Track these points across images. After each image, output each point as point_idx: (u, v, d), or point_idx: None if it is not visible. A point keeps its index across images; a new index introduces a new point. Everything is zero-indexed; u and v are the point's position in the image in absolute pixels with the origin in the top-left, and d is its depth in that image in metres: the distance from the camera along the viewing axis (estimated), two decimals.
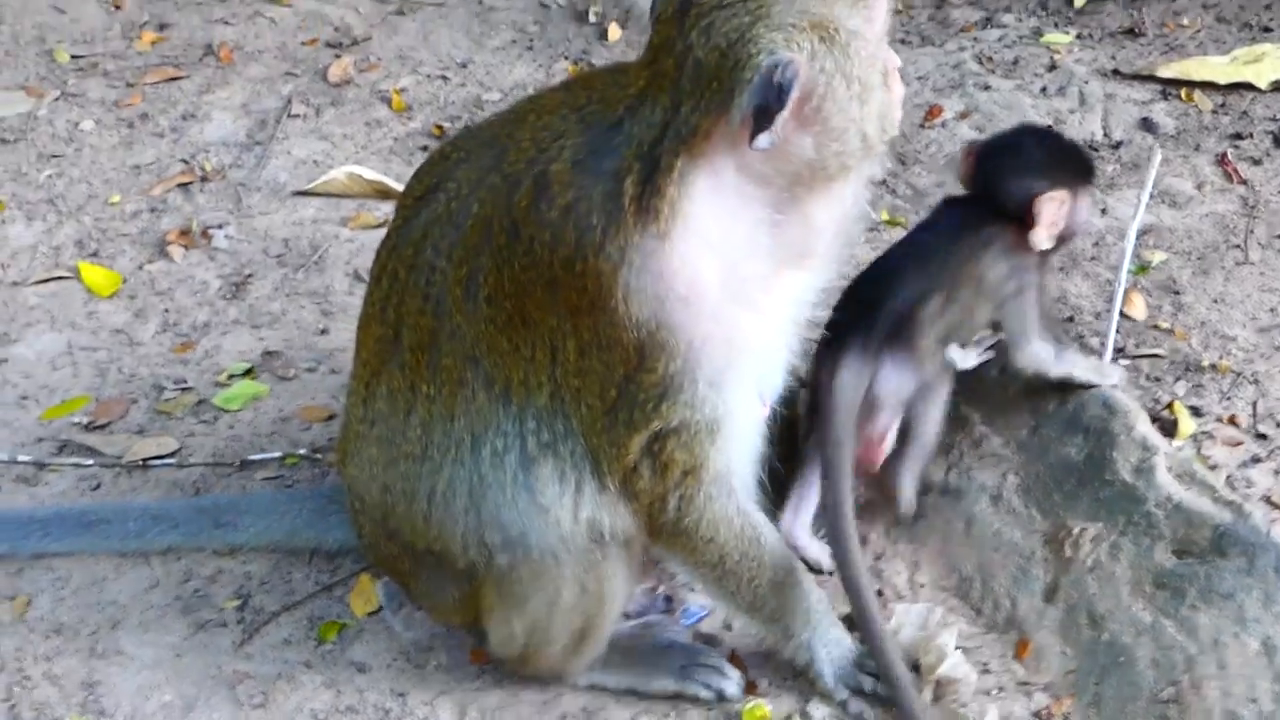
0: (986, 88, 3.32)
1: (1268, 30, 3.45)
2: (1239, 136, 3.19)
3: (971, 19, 3.54)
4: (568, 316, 1.91)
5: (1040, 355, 2.32)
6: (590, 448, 1.99)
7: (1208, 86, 3.32)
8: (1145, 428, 2.31)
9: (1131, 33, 3.47)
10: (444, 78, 3.55)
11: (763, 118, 1.77)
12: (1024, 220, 2.28)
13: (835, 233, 1.98)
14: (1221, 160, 3.13)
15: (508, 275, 1.93)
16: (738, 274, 1.90)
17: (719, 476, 1.99)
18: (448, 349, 1.99)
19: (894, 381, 2.23)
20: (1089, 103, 3.27)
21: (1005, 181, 2.30)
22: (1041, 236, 2.28)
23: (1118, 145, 3.18)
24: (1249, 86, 3.31)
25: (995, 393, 2.42)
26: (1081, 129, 3.22)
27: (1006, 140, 2.43)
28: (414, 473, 2.04)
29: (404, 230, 2.04)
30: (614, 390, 1.93)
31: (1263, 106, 3.25)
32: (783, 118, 1.77)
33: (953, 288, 2.28)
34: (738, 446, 2.01)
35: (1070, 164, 2.37)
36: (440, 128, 3.37)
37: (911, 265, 2.29)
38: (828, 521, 2.14)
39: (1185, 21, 3.49)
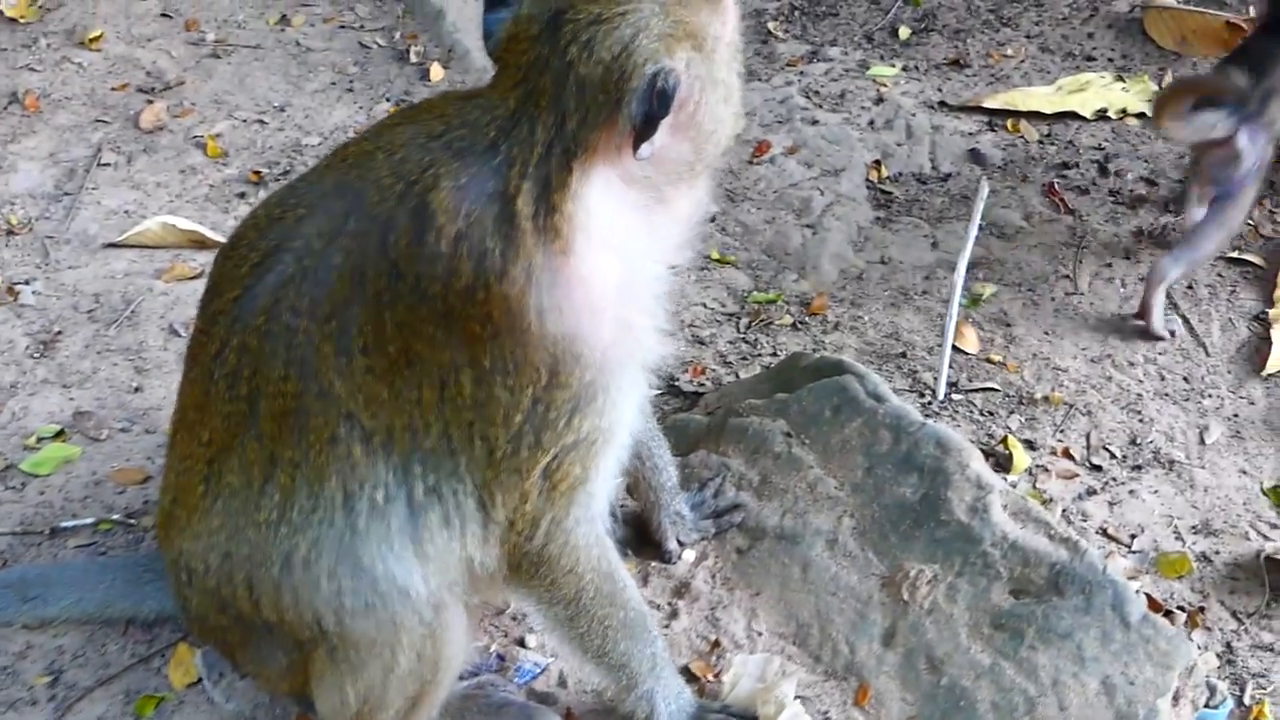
0: (814, 122, 3.32)
1: (1090, 59, 3.50)
2: (1066, 166, 3.22)
3: (798, 53, 3.54)
4: (464, 348, 1.89)
5: None
6: (481, 482, 1.96)
7: (1034, 116, 3.35)
8: (979, 466, 2.30)
9: (957, 64, 3.50)
10: (261, 122, 3.46)
11: (649, 125, 1.84)
12: None
13: (693, 226, 2.03)
14: (1049, 190, 3.16)
15: (390, 319, 1.90)
16: (634, 276, 1.94)
17: (592, 497, 2.00)
18: (317, 409, 1.95)
19: (1249, 145, 2.62)
20: (916, 135, 3.29)
21: None
22: None
23: (946, 178, 3.20)
24: (1074, 115, 3.35)
25: (830, 434, 2.40)
26: (909, 162, 3.23)
27: None
28: (265, 540, 1.98)
29: (246, 301, 1.98)
30: (520, 415, 1.92)
31: (1088, 135, 3.29)
32: (667, 123, 1.84)
33: None
34: (618, 459, 2.03)
35: None
36: (258, 174, 3.29)
37: None
38: None
39: (1010, 52, 3.52)
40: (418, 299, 1.89)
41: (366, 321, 1.92)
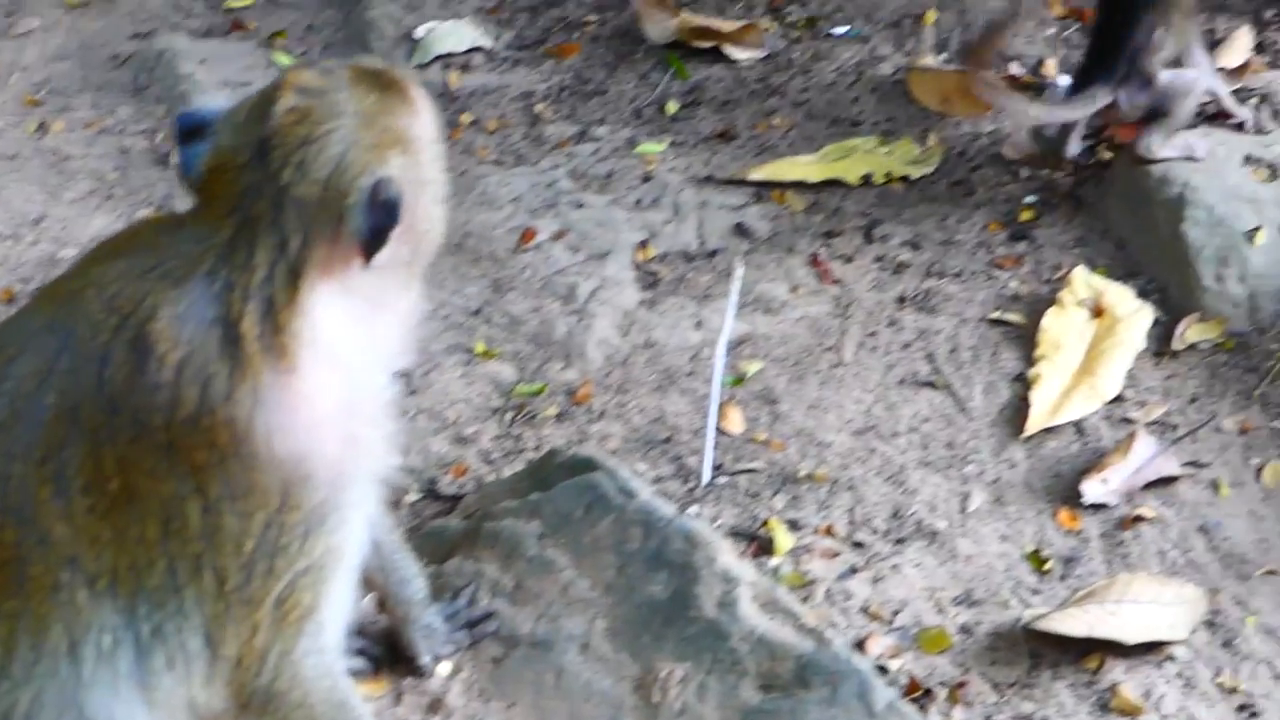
0: (580, 205, 3.31)
1: (856, 124, 3.53)
2: (831, 235, 3.24)
3: (566, 134, 3.53)
4: (189, 478, 1.86)
5: None
6: (210, 616, 1.91)
7: (800, 186, 3.37)
8: (728, 559, 2.29)
9: (725, 136, 3.51)
10: (15, 236, 3.38)
11: (379, 235, 1.85)
12: None
13: (413, 328, 2.03)
14: (814, 261, 3.17)
15: (109, 455, 1.86)
16: (361, 388, 1.93)
17: (322, 626, 1.96)
18: (37, 556, 1.90)
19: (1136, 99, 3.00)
20: (683, 212, 3.29)
21: None
22: None
23: (713, 254, 3.21)
24: (840, 183, 3.37)
25: (582, 533, 2.38)
26: (676, 240, 3.23)
27: None
28: None
29: None
30: (251, 541, 1.88)
31: (853, 202, 3.32)
32: (393, 232, 1.85)
33: None
34: (348, 582, 2.00)
35: None
36: (10, 291, 3.20)
37: None
38: None
39: (776, 121, 3.54)
40: (138, 432, 1.86)
41: (85, 460, 1.88)
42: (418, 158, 1.94)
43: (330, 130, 1.88)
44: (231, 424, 1.85)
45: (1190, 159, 3.13)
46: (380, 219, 1.86)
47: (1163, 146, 3.10)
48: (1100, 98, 3.04)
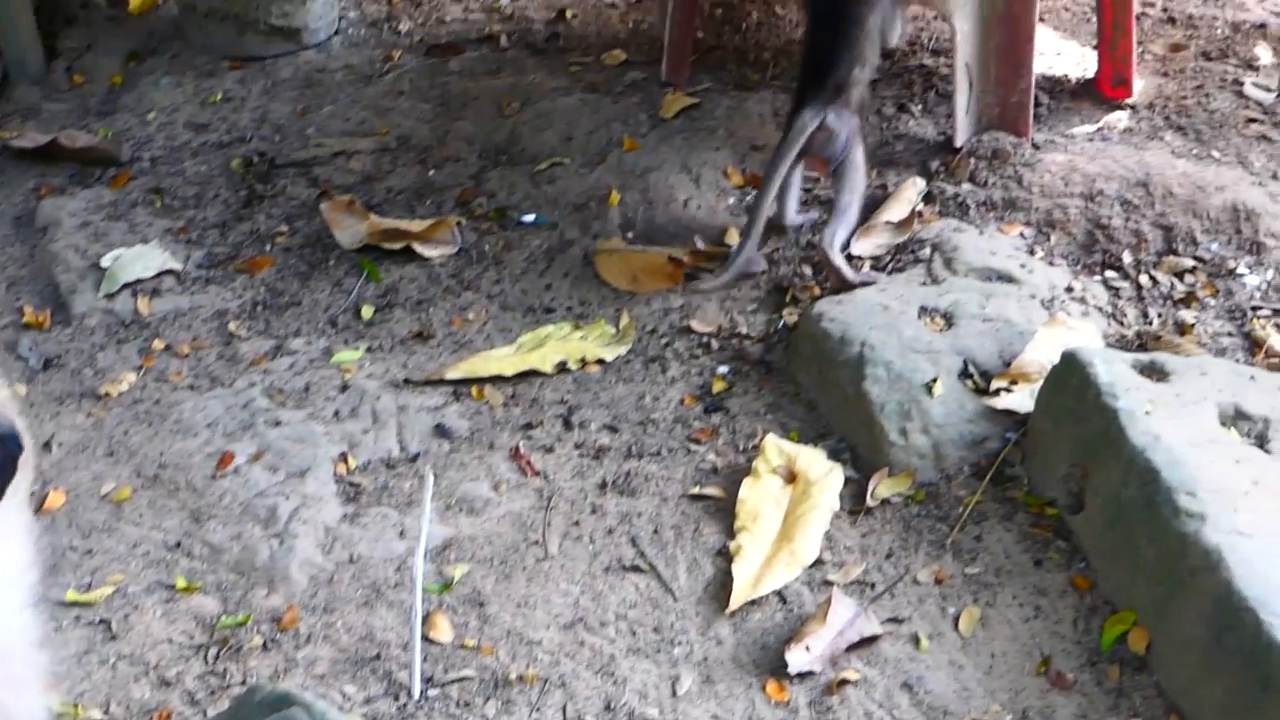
0: (278, 423, 3.31)
1: (550, 311, 3.61)
2: (530, 426, 3.29)
3: (261, 350, 3.54)
4: None
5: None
6: None
7: (497, 380, 3.42)
8: None
9: (421, 336, 3.56)
10: None
11: None
12: None
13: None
14: (515, 454, 3.21)
15: None
16: None
17: None
18: None
19: (838, 123, 3.34)
20: (382, 419, 3.31)
21: None
22: None
23: (415, 458, 3.23)
24: (537, 373, 3.42)
25: None
26: (377, 448, 3.25)
27: None
28: None
29: None
30: None
31: (551, 390, 3.38)
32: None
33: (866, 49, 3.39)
34: None
35: None
36: None
37: (841, 41, 3.36)
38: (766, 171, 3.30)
39: (471, 316, 3.60)
40: None
41: None
42: None
43: None
44: None
45: (866, 283, 3.37)
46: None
47: (838, 244, 3.43)
48: (809, 121, 3.37)
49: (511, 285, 3.71)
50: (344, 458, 3.21)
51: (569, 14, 4.70)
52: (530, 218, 3.88)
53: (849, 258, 3.54)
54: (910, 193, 3.76)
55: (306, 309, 3.69)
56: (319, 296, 3.73)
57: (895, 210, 3.70)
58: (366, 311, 3.66)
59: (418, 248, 3.80)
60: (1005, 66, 3.81)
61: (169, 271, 3.80)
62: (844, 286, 3.42)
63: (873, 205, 3.74)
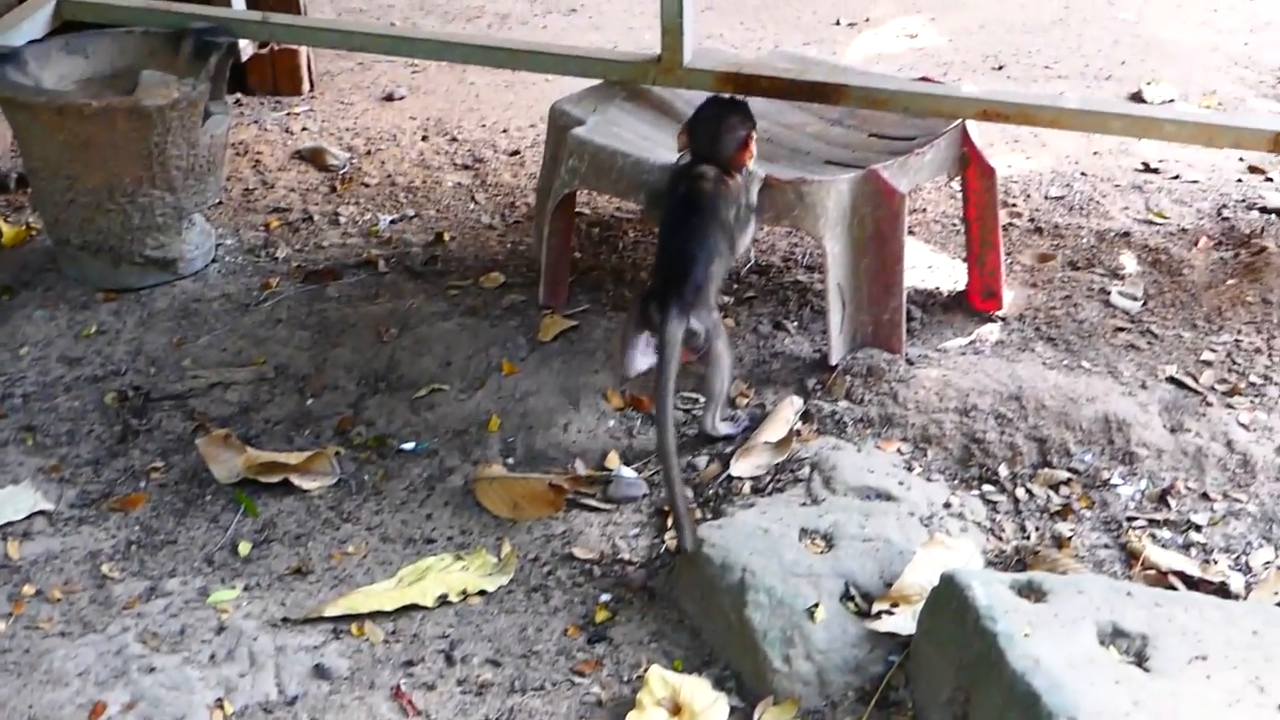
0: (152, 669, 3.27)
1: (431, 541, 3.61)
2: (411, 663, 3.28)
3: (136, 592, 3.50)
4: None
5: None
6: None
7: (378, 615, 3.40)
8: None
9: (300, 572, 3.54)
10: None
11: None
12: (736, 158, 3.60)
13: None
14: (396, 693, 3.19)
15: None
16: None
17: None
18: None
19: (701, 323, 3.51)
20: (260, 661, 3.28)
21: (721, 137, 3.62)
22: (749, 160, 3.61)
23: (293, 701, 3.19)
24: (418, 607, 3.41)
25: None
26: (254, 692, 3.21)
27: (709, 110, 3.71)
28: None
29: None
30: None
31: (432, 625, 3.37)
32: None
33: (721, 246, 3.54)
34: None
35: (747, 110, 3.67)
36: None
37: (696, 243, 3.53)
38: (656, 405, 3.41)
39: (351, 549, 3.60)
40: None
41: None
42: None
43: None
44: None
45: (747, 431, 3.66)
46: None
47: (718, 423, 3.72)
48: (676, 331, 3.49)
49: (392, 516, 3.71)
50: (220, 704, 3.18)
51: (447, 236, 4.79)
52: (410, 445, 3.90)
53: (728, 478, 3.59)
54: (788, 412, 3.84)
55: (182, 547, 3.67)
56: (195, 534, 3.71)
57: (773, 430, 3.76)
58: (244, 548, 3.64)
59: (296, 480, 3.81)
60: (876, 286, 3.92)
61: (41, 512, 3.76)
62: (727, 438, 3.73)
63: (752, 424, 3.80)
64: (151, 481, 3.91)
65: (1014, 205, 4.90)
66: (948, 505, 3.54)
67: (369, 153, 5.46)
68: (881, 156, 4.07)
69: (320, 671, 3.26)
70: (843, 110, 4.32)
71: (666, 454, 3.39)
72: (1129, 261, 4.50)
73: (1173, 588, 3.25)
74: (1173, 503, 3.59)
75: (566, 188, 4.13)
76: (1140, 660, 2.83)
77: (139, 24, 4.76)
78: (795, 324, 4.24)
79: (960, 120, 4.10)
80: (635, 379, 3.86)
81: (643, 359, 3.72)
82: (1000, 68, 6.12)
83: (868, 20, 6.70)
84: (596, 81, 4.44)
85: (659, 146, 4.11)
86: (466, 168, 5.34)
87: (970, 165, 4.15)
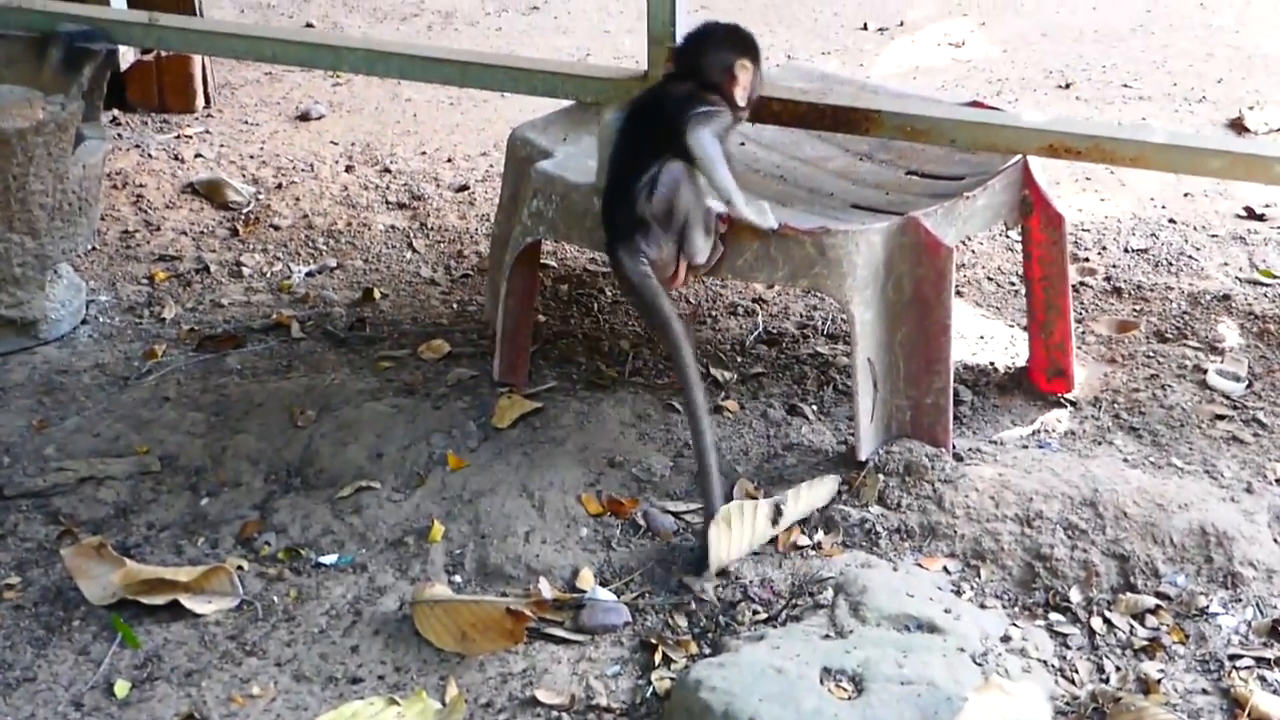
0: None
1: (357, 681, 3.62)
2: None
3: None
4: None
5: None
6: None
7: None
8: None
9: (192, 719, 3.54)
10: None
11: None
12: (723, 87, 3.80)
13: None
14: None
15: None
16: None
17: None
18: None
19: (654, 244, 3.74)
20: None
21: (707, 58, 3.80)
22: (740, 97, 3.80)
23: None
24: None
25: None
26: None
27: (700, 30, 3.86)
28: None
29: None
30: None
31: None
32: None
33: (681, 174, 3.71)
34: None
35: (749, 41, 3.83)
36: None
37: (643, 160, 3.74)
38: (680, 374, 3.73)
39: (256, 690, 3.61)
40: None
41: None
42: None
43: None
44: None
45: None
46: None
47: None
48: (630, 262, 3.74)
49: (308, 648, 3.72)
50: None
51: (377, 294, 4.81)
52: (331, 559, 3.91)
53: (732, 603, 3.60)
54: (818, 493, 3.86)
55: (43, 686, 3.67)
56: (59, 669, 3.70)
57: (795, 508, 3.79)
58: (121, 688, 3.64)
59: (187, 602, 3.81)
60: (916, 362, 3.95)
61: None
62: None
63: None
64: (5, 602, 3.91)
65: (1086, 260, 4.95)
66: (1006, 639, 3.56)
67: (279, 186, 5.50)
68: (922, 200, 4.11)
69: None
70: (874, 142, 4.36)
71: (690, 382, 3.73)
72: (1229, 332, 4.54)
73: None
74: None
75: (530, 235, 4.16)
76: None
77: None
78: (814, 408, 4.27)
79: (1020, 156, 4.14)
80: None
81: None
82: (1067, 85, 6.19)
83: (902, 24, 6.77)
84: (566, 102, 4.47)
85: None
86: (402, 206, 5.38)
87: (1033, 212, 4.19)
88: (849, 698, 3.34)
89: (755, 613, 3.68)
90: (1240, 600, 3.64)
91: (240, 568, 3.91)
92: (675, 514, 3.94)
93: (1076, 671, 3.51)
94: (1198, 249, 4.84)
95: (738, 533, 3.76)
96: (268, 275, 4.77)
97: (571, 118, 4.32)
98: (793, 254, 3.82)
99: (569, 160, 4.10)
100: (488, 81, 4.46)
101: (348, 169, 5.32)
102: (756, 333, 4.42)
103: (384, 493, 4.04)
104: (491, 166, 5.23)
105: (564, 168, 4.06)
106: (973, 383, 4.22)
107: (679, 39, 4.08)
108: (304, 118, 5.67)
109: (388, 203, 5.17)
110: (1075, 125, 4.28)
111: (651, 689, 3.54)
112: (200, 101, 5.70)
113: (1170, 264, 4.79)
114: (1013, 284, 4.59)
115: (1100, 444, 4.01)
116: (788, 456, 4.07)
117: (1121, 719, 3.31)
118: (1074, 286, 4.36)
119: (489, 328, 4.35)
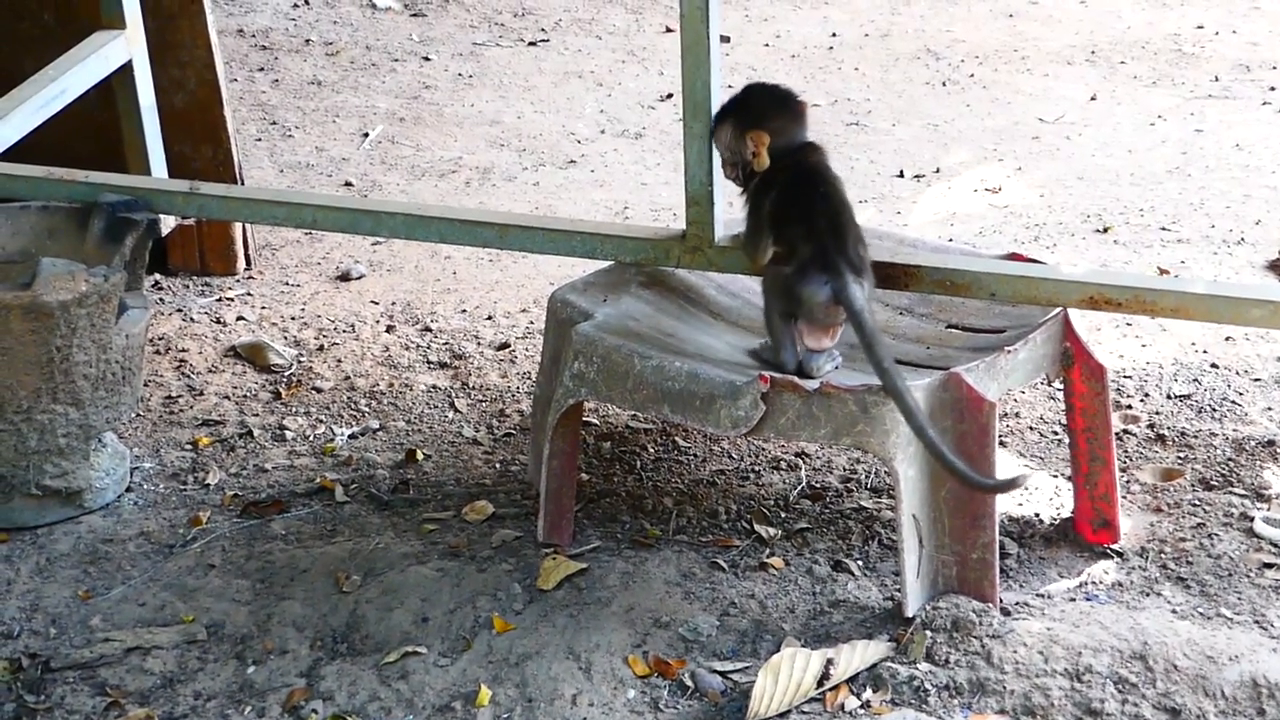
0: None
1: None
2: None
3: None
4: None
5: None
6: None
7: None
8: None
9: None
10: None
11: None
12: None
13: None
14: None
15: None
16: None
17: None
18: None
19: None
20: None
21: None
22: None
23: None
24: None
25: None
26: None
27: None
28: None
29: None
30: None
31: None
32: None
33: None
34: None
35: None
36: None
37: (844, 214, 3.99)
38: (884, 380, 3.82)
39: None
40: None
41: None
42: None
43: None
44: None
45: None
46: None
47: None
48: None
49: None
50: None
51: (420, 455, 4.86)
52: None
53: None
54: (857, 657, 3.87)
55: None
56: None
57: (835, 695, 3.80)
58: None
59: None
60: (962, 517, 3.98)
61: None
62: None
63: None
64: None
65: (1129, 407, 4.98)
66: None
67: (321, 348, 5.56)
68: (964, 354, 4.16)
69: None
70: (914, 296, 4.41)
71: (904, 399, 3.81)
72: (1275, 479, 4.56)
73: None
74: None
75: (572, 397, 4.21)
76: None
77: (36, 197, 4.86)
78: (860, 563, 4.29)
79: (1061, 308, 4.19)
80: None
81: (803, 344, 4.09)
82: (1105, 229, 6.24)
83: (938, 171, 6.84)
84: (605, 262, 4.54)
85: (686, 345, 4.20)
86: (443, 366, 5.44)
87: (1074, 364, 4.23)
88: None
89: None
90: None
91: None
92: (723, 674, 3.95)
93: None
94: (1240, 394, 4.87)
95: (784, 684, 3.77)
96: (311, 438, 4.82)
97: (611, 277, 4.39)
98: (835, 412, 3.86)
99: (609, 321, 4.15)
100: (526, 244, 4.52)
101: (389, 329, 5.38)
102: (800, 487, 4.44)
103: (430, 657, 4.06)
104: (532, 323, 5.29)
105: (604, 329, 4.11)
106: (1018, 535, 4.25)
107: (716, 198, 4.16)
108: (344, 278, 5.74)
109: (429, 362, 5.23)
110: (1115, 277, 4.31)
111: None
112: (241, 264, 5.78)
113: (1214, 410, 4.82)
114: (1055, 433, 4.62)
115: (1148, 595, 4.02)
116: (834, 613, 4.09)
117: None
118: (1117, 435, 4.38)
119: (532, 488, 4.39)
